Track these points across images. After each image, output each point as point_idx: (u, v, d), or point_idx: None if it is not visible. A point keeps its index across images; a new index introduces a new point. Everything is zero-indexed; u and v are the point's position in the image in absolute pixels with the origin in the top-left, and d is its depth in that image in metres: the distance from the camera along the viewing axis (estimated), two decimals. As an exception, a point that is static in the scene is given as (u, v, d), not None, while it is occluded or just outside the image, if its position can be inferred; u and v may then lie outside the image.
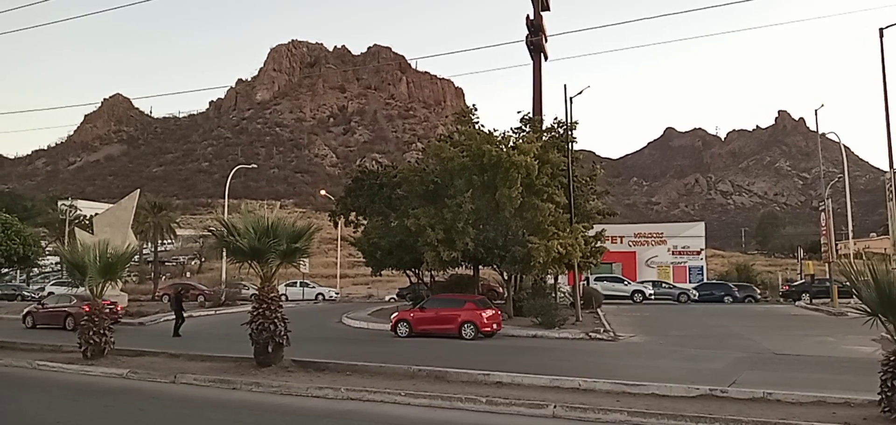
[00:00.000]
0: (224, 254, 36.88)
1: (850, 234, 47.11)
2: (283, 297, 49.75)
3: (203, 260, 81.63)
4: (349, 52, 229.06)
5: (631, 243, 54.27)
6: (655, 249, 54.23)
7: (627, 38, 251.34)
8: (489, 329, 24.07)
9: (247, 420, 11.09)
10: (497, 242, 27.60)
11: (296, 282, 52.32)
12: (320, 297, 51.95)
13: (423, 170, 32.20)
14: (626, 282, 47.65)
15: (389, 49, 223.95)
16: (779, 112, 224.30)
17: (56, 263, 62.64)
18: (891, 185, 30.05)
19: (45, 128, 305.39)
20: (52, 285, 48.38)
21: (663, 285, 48.86)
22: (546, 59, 38.46)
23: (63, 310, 28.89)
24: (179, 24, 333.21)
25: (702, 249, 54.94)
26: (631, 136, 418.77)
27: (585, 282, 39.25)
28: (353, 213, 37.71)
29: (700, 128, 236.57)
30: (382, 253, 32.52)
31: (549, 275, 33.05)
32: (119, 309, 30.65)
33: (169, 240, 76.63)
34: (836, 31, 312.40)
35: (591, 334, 24.59)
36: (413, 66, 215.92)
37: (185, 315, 26.29)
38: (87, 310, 27.97)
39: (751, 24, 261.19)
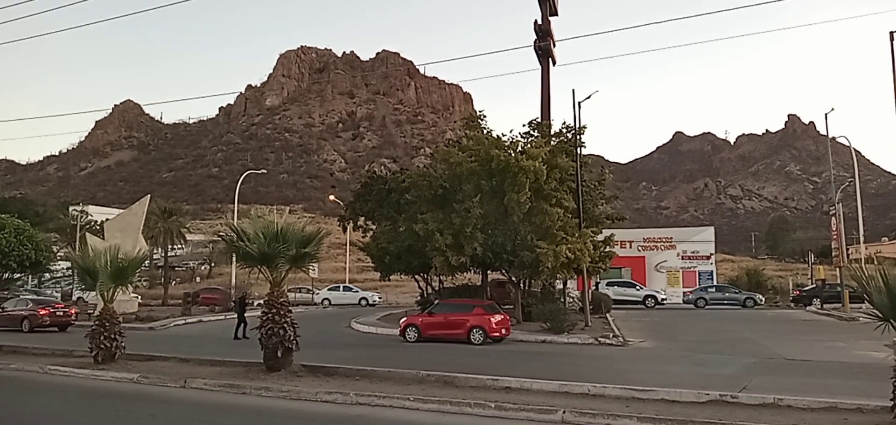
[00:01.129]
0: (234, 259, 37.04)
1: (862, 239, 46.75)
2: (326, 301, 50.81)
3: (213, 265, 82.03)
4: (358, 57, 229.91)
5: (640, 248, 54.01)
6: (665, 254, 53.97)
7: (636, 43, 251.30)
8: (498, 334, 24.06)
9: (256, 424, 11.14)
10: (505, 247, 27.59)
11: (339, 286, 52.42)
12: (364, 301, 51.90)
13: (432, 175, 32.29)
14: (638, 287, 47.53)
15: (398, 54, 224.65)
16: (789, 116, 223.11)
17: (67, 268, 63.00)
18: (903, 189, 29.81)
19: (56, 135, 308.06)
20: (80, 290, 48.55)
21: (728, 290, 48.43)
22: (554, 63, 38.51)
23: (20, 314, 30.90)
24: (189, 31, 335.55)
25: (712, 254, 54.64)
26: (640, 141, 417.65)
27: (595, 287, 39.19)
28: (362, 218, 37.85)
29: (709, 133, 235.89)
30: (391, 257, 32.61)
31: (557, 280, 33.02)
32: (71, 312, 31.74)
33: (179, 245, 76.96)
34: (846, 34, 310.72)
35: (600, 339, 24.51)
36: (421, 71, 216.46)
37: (246, 318, 26.83)
38: (42, 313, 30.21)
39: (760, 27, 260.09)
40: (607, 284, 46.05)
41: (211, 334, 29.34)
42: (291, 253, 15.68)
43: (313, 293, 54.26)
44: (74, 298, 45.18)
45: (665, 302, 46.81)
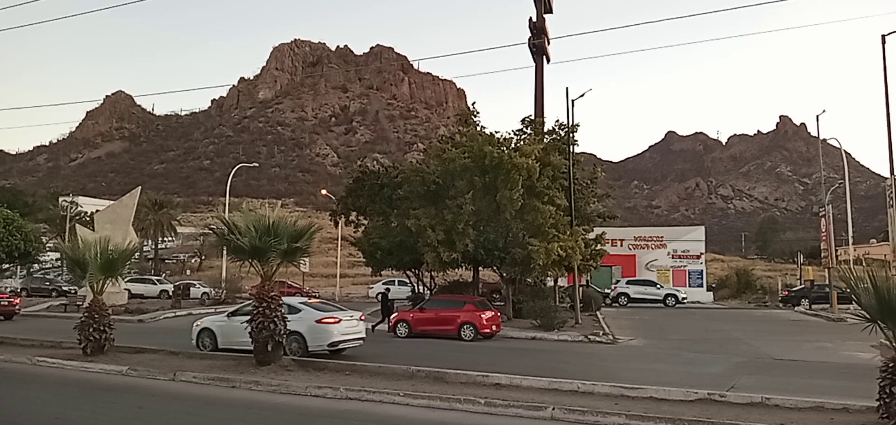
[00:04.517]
0: (224, 252, 36.90)
1: (850, 240, 47.13)
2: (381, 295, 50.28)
3: (203, 258, 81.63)
4: (351, 51, 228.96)
5: (631, 246, 54.26)
6: (655, 253, 54.24)
7: (630, 42, 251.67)
8: (488, 330, 24.11)
9: (246, 418, 11.11)
10: (497, 244, 27.64)
11: (394, 281, 51.42)
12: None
13: (425, 171, 32.28)
14: (658, 286, 47.76)
15: (392, 49, 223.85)
16: (780, 117, 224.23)
17: (56, 259, 62.65)
18: (891, 192, 30.08)
19: (46, 125, 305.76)
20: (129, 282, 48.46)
21: None
22: (548, 61, 38.54)
23: None
24: (182, 22, 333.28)
25: (702, 253, 54.94)
26: (632, 140, 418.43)
27: (585, 285, 39.27)
28: (354, 213, 37.78)
29: (701, 132, 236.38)
30: (383, 253, 32.59)
31: (548, 277, 33.10)
32: (16, 302, 32.11)
33: (169, 238, 76.63)
34: (838, 37, 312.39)
35: (590, 337, 24.62)
36: (415, 66, 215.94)
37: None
38: None
39: (753, 28, 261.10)
40: (628, 282, 46.66)
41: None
42: (283, 247, 15.63)
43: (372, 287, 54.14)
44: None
45: (685, 300, 46.99)
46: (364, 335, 19.76)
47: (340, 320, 18.43)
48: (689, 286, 51.65)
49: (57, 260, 62.54)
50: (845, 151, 46.41)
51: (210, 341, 19.21)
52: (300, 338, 17.72)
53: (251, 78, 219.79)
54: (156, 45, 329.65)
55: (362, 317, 20.16)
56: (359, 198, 36.55)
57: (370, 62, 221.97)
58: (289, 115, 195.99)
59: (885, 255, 37.72)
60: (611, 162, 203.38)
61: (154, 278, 54.68)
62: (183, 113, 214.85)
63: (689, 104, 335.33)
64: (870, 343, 11.22)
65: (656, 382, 13.46)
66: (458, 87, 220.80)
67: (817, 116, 43.20)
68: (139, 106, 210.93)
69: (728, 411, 11.14)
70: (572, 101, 31.92)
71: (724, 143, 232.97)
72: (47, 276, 59.91)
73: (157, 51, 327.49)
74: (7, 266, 45.07)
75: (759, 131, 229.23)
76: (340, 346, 18.25)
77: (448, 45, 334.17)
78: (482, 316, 24.19)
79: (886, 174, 31.41)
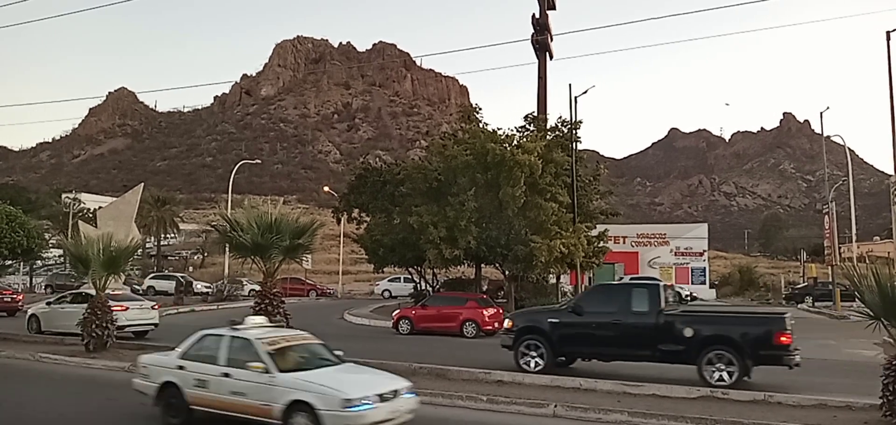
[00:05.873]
0: (227, 249, 36.92)
1: (854, 237, 47.08)
2: (387, 292, 49.44)
3: (206, 254, 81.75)
4: (354, 48, 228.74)
5: (633, 244, 54.17)
6: (658, 250, 54.15)
7: (633, 39, 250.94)
8: (491, 327, 24.09)
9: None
10: (499, 241, 27.62)
11: (400, 278, 50.30)
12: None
13: (427, 168, 32.27)
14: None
15: (394, 46, 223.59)
16: (784, 114, 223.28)
17: (59, 256, 62.80)
18: (895, 189, 30.01)
19: (49, 121, 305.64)
20: (151, 279, 49.10)
21: None
22: (551, 58, 38.47)
23: None
24: (185, 19, 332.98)
25: (705, 251, 54.85)
26: (635, 137, 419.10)
27: (588, 282, 39.23)
28: (357, 210, 37.82)
29: (704, 130, 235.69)
30: (385, 250, 32.62)
31: (551, 274, 33.08)
32: (19, 298, 32.32)
33: (172, 235, 76.70)
34: (842, 33, 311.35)
35: (592, 334, 24.55)
36: (418, 63, 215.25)
37: None
38: None
39: (756, 25, 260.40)
40: (632, 280, 46.58)
41: (204, 324, 29.24)
42: (285, 243, 15.66)
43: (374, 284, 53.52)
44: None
45: (689, 298, 46.80)
46: (156, 321, 23.16)
47: (128, 308, 21.97)
48: (692, 283, 51.55)
49: (60, 256, 62.67)
50: (849, 148, 46.45)
51: (36, 325, 22.68)
52: None
53: (254, 75, 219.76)
54: (158, 42, 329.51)
55: (156, 306, 23.78)
56: (361, 195, 36.58)
57: (373, 59, 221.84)
58: (291, 112, 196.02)
59: (888, 253, 37.65)
60: (614, 159, 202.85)
61: (176, 275, 54.91)
62: (185, 109, 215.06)
63: (693, 101, 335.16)
64: (873, 340, 11.17)
65: (659, 379, 13.43)
66: (460, 83, 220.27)
67: (821, 113, 43.15)
68: (142, 102, 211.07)
69: (730, 408, 11.13)
70: (575, 97, 31.90)
71: (727, 140, 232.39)
72: (72, 273, 60.11)
73: (160, 47, 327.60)
74: (10, 263, 45.19)
75: (762, 128, 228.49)
76: (127, 328, 21.49)
77: (451, 41, 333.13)
78: (484, 313, 24.19)
79: (890, 171, 31.33)
